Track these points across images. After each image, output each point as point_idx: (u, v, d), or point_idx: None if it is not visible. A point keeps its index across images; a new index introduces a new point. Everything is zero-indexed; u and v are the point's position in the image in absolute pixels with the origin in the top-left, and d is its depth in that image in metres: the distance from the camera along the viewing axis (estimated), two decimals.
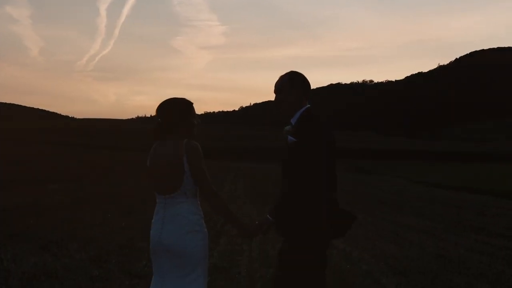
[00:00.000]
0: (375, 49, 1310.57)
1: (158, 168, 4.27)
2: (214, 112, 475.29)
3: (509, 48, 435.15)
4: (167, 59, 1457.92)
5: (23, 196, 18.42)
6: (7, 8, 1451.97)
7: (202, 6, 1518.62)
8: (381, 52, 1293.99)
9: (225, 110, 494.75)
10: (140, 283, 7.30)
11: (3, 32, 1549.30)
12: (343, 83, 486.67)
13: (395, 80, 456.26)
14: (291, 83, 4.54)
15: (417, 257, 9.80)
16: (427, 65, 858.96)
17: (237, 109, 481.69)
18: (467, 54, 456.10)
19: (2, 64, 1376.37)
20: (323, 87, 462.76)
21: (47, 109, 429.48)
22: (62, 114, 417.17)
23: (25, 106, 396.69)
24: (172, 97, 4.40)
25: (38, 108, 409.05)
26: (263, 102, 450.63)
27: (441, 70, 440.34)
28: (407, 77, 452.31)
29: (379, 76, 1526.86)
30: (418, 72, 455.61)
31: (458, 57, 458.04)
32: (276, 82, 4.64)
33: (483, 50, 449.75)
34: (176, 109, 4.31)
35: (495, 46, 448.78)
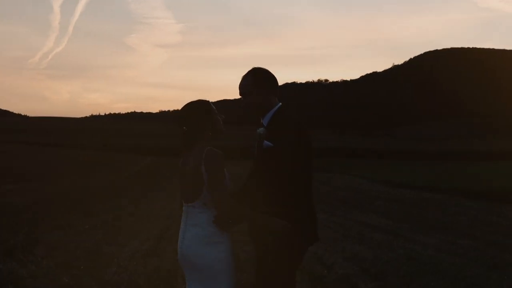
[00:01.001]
0: (330, 49, 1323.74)
1: (182, 177, 4.21)
2: (169, 110, 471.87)
3: (462, 48, 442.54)
4: (121, 57, 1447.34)
5: None
6: None
7: (157, 4, 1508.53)
8: (336, 51, 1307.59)
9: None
10: None
11: None
12: (298, 82, 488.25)
13: (350, 80, 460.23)
14: (256, 83, 4.31)
15: (389, 259, 9.74)
16: (382, 65, 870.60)
17: None
18: (421, 54, 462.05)
19: None
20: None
21: None
22: (14, 112, 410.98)
23: None
24: (189, 102, 4.25)
25: None
26: (218, 101, 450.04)
27: (395, 69, 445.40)
28: (362, 77, 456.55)
29: (334, 75, 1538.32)
30: (373, 72, 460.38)
31: (412, 57, 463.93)
32: (240, 84, 4.39)
33: (436, 50, 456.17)
34: (197, 115, 4.16)
35: (449, 47, 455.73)
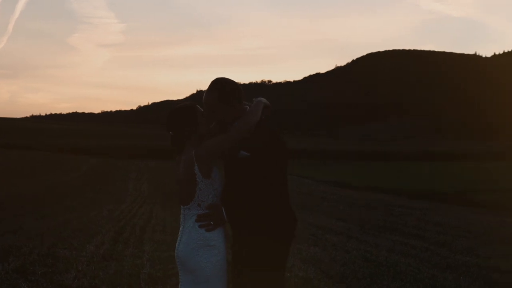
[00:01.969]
0: (274, 49, 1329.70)
1: (177, 180, 4.23)
2: (111, 111, 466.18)
3: (404, 50, 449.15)
4: (63, 56, 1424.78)
5: None
6: None
7: (100, 3, 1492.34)
8: (280, 52, 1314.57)
9: (123, 109, 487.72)
10: None
11: None
12: (241, 82, 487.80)
13: (294, 81, 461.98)
14: (222, 99, 4.19)
15: (346, 262, 9.84)
16: (324, 66, 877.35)
17: (135, 108, 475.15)
18: (363, 55, 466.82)
19: None
20: None
21: None
22: None
23: None
24: (176, 107, 4.27)
25: None
26: (161, 102, 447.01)
27: (338, 70, 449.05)
28: (305, 78, 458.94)
29: (277, 76, 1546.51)
30: (316, 73, 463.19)
31: (355, 58, 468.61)
32: (205, 100, 4.23)
33: (379, 52, 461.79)
34: (182, 120, 4.18)
35: (391, 48, 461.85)
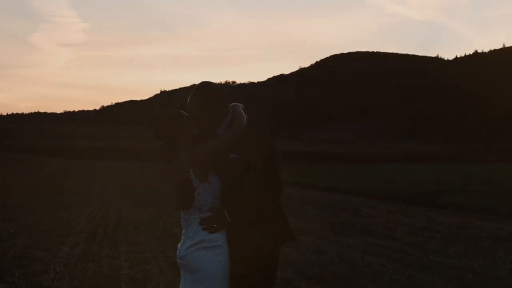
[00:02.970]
0: (238, 50, 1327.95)
1: (174, 186, 4.19)
2: (74, 111, 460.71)
3: (367, 52, 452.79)
4: (24, 55, 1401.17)
5: None
6: None
7: (62, 2, 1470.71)
8: (244, 53, 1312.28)
9: (86, 109, 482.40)
10: None
11: None
12: None
13: (258, 82, 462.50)
14: (208, 105, 4.17)
15: (322, 263, 9.91)
16: (288, 67, 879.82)
17: (98, 108, 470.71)
18: (327, 57, 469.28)
19: None
20: (185, 87, 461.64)
21: None
22: None
23: None
24: (161, 112, 4.23)
25: None
26: (125, 102, 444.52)
27: (302, 72, 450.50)
28: (269, 79, 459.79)
29: (241, 77, 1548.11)
30: (280, 74, 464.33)
31: (319, 60, 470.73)
32: (190, 105, 4.20)
33: (342, 53, 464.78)
34: (172, 128, 4.13)
35: (355, 50, 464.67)
